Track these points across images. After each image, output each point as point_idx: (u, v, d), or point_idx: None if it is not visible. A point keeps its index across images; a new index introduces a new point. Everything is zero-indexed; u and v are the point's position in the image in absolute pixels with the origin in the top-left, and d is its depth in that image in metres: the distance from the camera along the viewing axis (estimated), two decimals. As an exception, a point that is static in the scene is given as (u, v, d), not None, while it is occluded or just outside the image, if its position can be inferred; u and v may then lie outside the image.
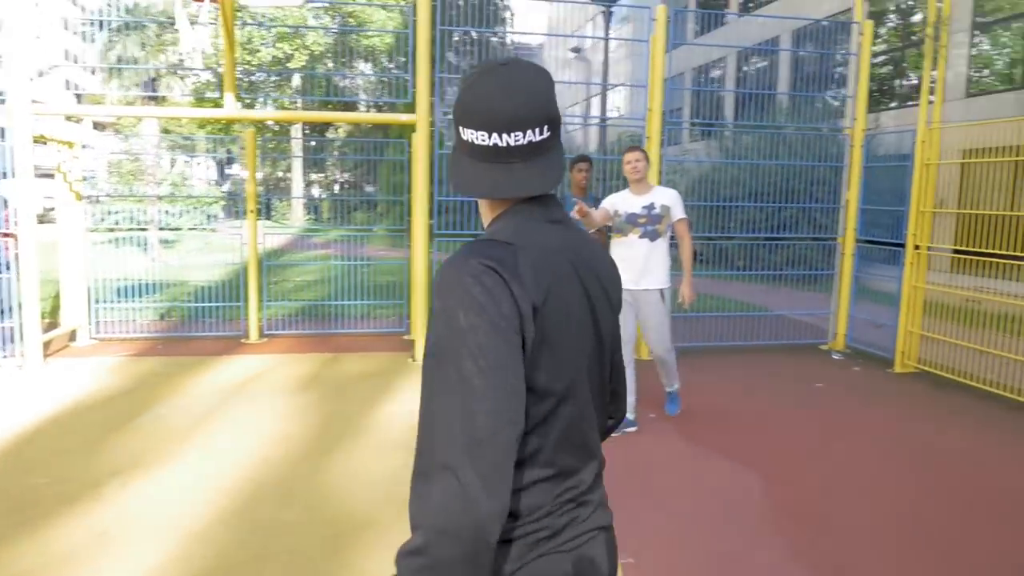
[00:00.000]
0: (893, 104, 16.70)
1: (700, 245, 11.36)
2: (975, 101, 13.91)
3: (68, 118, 12.20)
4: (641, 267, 4.80)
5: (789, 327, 8.39)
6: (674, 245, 5.03)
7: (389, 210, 20.21)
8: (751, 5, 21.41)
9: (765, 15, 10.84)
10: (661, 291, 4.88)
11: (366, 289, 8.66)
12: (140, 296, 8.86)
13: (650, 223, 4.78)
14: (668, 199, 4.84)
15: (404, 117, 6.67)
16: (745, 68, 22.65)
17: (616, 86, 27.26)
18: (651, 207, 4.80)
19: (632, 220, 4.81)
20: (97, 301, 7.74)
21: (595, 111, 30.46)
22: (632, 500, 3.90)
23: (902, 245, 7.06)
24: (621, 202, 4.90)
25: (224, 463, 4.27)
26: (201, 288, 8.87)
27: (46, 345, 7.01)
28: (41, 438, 4.68)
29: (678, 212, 4.85)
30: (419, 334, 6.83)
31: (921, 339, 6.97)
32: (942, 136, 6.78)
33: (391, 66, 26.93)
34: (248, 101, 23.83)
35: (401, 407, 5.47)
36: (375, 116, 6.66)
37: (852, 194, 7.65)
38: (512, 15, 33.16)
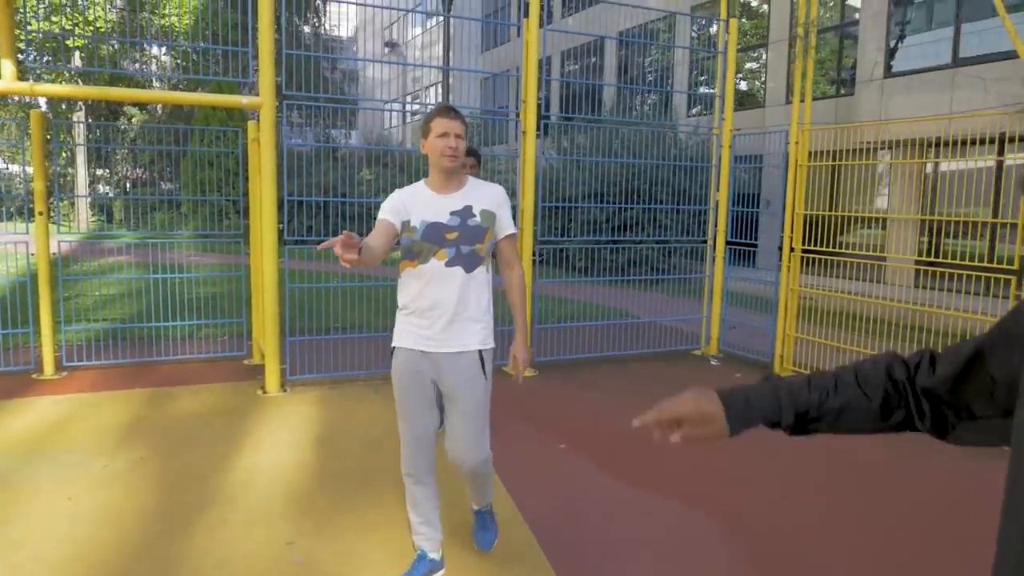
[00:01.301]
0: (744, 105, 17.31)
1: (554, 249, 10.98)
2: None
3: None
4: (449, 316, 2.81)
5: (659, 334, 8.14)
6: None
7: (196, 210, 18.18)
8: None
9: (632, 4, 10.64)
10: (481, 354, 2.89)
11: (188, 305, 7.32)
12: None
13: (465, 240, 2.82)
14: (492, 200, 2.91)
15: (246, 99, 5.53)
16: (592, 59, 22.46)
17: (483, 73, 26.49)
18: (467, 213, 2.84)
19: (435, 236, 2.79)
20: None
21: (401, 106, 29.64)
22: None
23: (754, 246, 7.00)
24: (416, 205, 2.84)
25: (21, 567, 3.06)
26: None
27: None
28: None
29: (506, 223, 2.95)
30: (269, 356, 5.72)
31: (795, 341, 6.94)
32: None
33: (192, 52, 24.36)
34: (35, 72, 20.48)
35: (263, 456, 4.41)
36: (211, 97, 5.44)
37: (723, 195, 7.49)
38: (323, 2, 31.47)
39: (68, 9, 19.46)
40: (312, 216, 6.39)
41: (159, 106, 28.26)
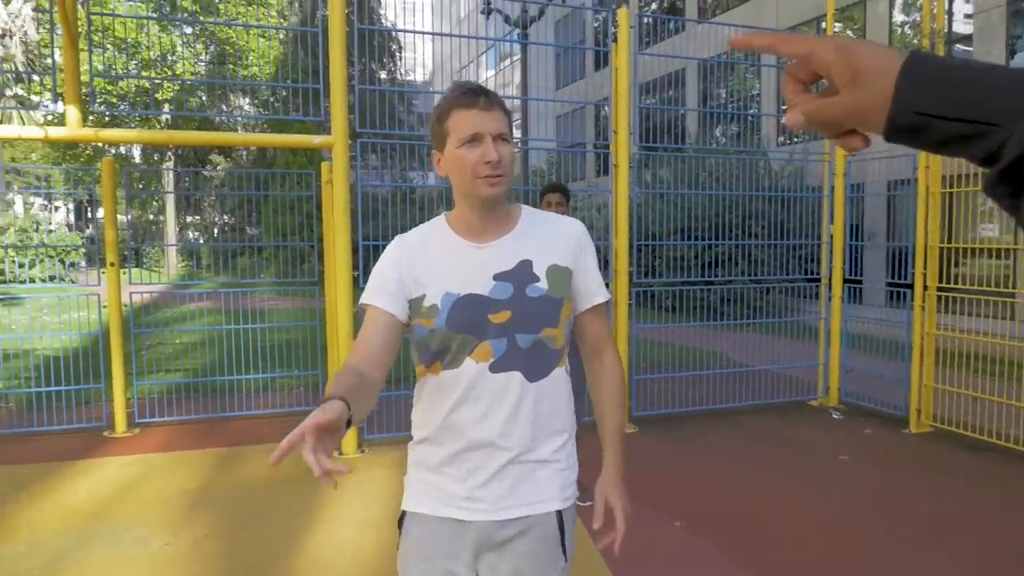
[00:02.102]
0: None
1: (647, 291, 10.22)
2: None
3: None
4: (505, 458, 1.59)
5: (767, 382, 7.36)
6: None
7: (276, 254, 18.31)
8: (713, 5, 20.17)
9: (730, 23, 9.91)
10: (560, 519, 1.65)
11: (263, 355, 6.99)
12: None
13: (525, 324, 1.59)
14: (567, 246, 1.67)
15: (317, 139, 5.18)
16: (670, 92, 21.75)
17: (571, 103, 26.12)
18: (525, 275, 1.61)
19: (470, 321, 1.57)
20: None
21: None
22: None
23: (905, 285, 6.17)
24: (432, 265, 1.61)
25: None
26: (51, 360, 6.93)
27: None
28: None
29: (593, 285, 1.71)
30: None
31: (933, 392, 6.07)
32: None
33: (273, 99, 25.00)
34: (101, 119, 21.23)
35: (336, 535, 3.91)
36: (284, 138, 5.12)
37: (837, 228, 6.73)
38: (400, 47, 31.97)
39: (158, 64, 20.18)
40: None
41: (244, 153, 29.07)
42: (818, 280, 7.12)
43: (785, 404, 6.82)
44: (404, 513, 1.69)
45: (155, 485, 4.68)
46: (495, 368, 1.57)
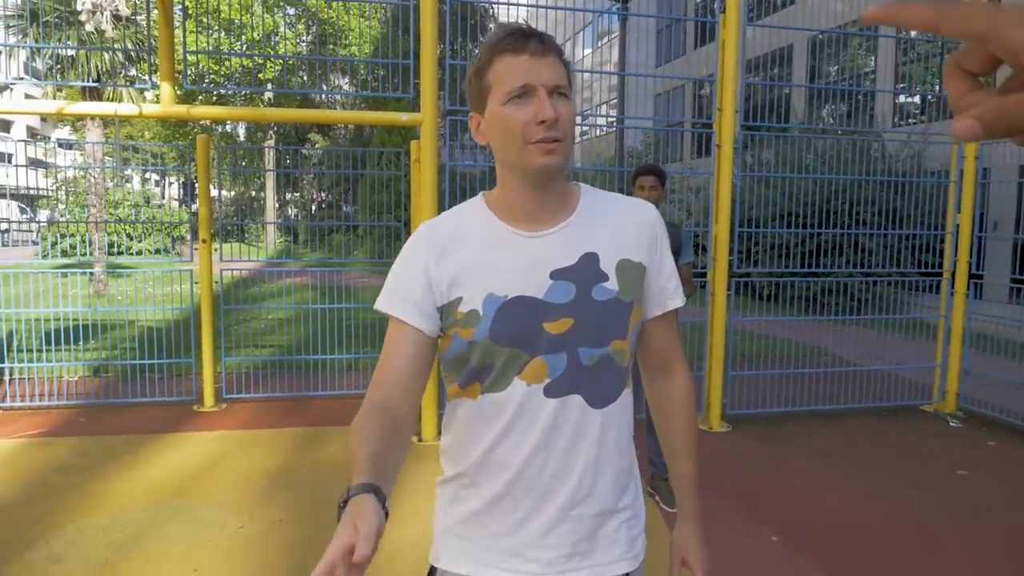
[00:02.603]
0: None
1: (761, 281, 9.63)
2: None
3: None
4: (560, 503, 1.26)
5: (876, 383, 6.81)
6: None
7: (370, 232, 18.55)
8: None
9: None
10: None
11: (348, 334, 6.97)
12: (69, 345, 7.09)
13: (588, 335, 1.25)
14: (639, 237, 1.31)
15: (405, 117, 5.02)
16: (775, 70, 20.59)
17: (677, 78, 25.39)
18: (590, 271, 1.26)
19: (519, 330, 1.23)
20: (2, 360, 5.99)
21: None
22: None
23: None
24: (471, 258, 1.25)
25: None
26: (148, 333, 7.13)
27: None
28: None
29: (668, 284, 1.35)
30: (426, 400, 5.13)
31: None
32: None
33: (371, 79, 25.32)
34: (197, 95, 21.85)
35: (413, 527, 3.77)
36: (370, 114, 4.99)
37: (964, 218, 6.10)
38: (495, 23, 31.75)
39: (263, 45, 20.69)
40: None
41: (342, 132, 29.64)
42: (934, 274, 6.52)
43: (896, 408, 6.28)
44: (434, 570, 1.34)
45: (236, 463, 4.68)
46: (551, 391, 1.23)
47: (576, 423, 1.25)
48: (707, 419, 5.63)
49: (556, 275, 1.23)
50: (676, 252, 4.05)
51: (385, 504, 0.98)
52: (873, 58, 16.64)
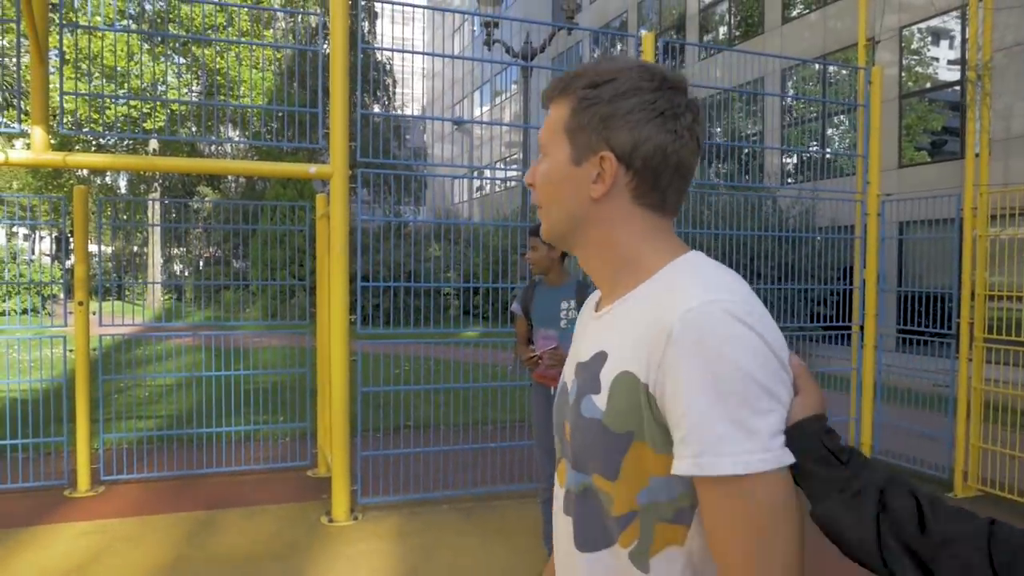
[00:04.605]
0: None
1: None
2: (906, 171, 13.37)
3: None
4: None
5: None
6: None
7: (263, 290, 17.68)
8: (736, 36, 19.20)
9: (752, 51, 9.28)
10: None
11: (247, 400, 6.39)
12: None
13: (576, 455, 0.98)
14: (645, 341, 0.88)
15: (313, 168, 4.66)
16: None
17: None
18: (589, 379, 0.97)
19: (558, 424, 1.07)
20: None
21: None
22: None
23: (946, 334, 5.70)
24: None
25: None
26: (12, 406, 6.31)
27: None
28: None
29: (694, 435, 0.81)
30: (338, 476, 4.67)
31: (981, 453, 5.56)
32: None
33: (264, 131, 24.58)
34: (74, 142, 20.57)
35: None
36: (276, 166, 4.59)
37: (870, 272, 6.26)
38: (393, 83, 31.72)
39: (147, 94, 19.74)
40: (383, 300, 5.50)
41: (233, 185, 28.58)
42: (842, 328, 6.64)
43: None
44: None
45: (117, 561, 4.05)
46: (564, 508, 1.00)
47: (564, 554, 1.01)
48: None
49: (576, 370, 1.01)
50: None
51: None
52: (759, 120, 17.53)
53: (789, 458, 0.82)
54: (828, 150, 14.76)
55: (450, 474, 5.36)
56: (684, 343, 0.82)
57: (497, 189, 22.43)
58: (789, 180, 16.41)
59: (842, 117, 14.95)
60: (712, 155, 17.46)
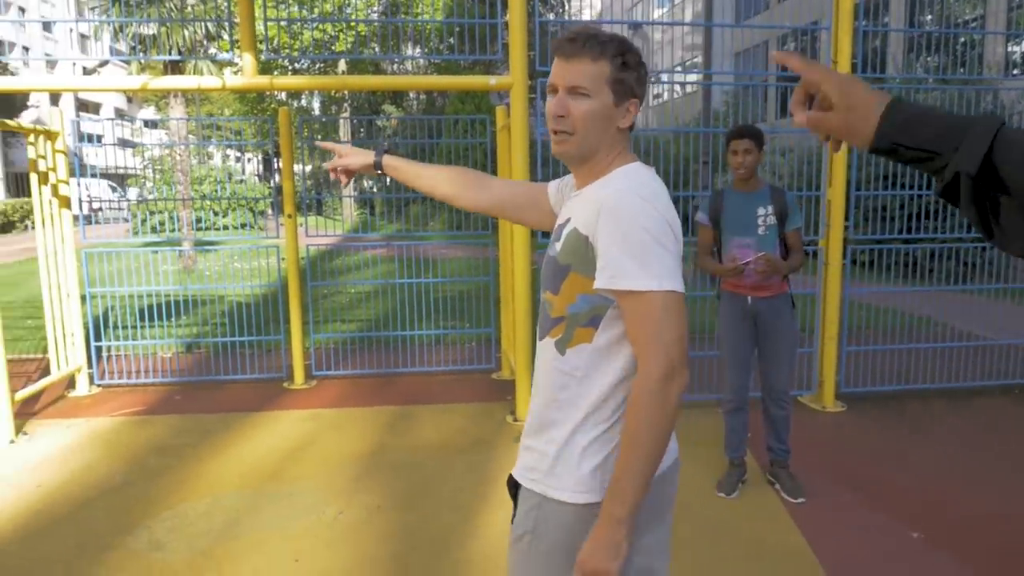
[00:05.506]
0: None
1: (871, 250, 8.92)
2: None
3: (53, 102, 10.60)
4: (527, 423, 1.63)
5: (1008, 359, 6.24)
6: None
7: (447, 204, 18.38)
8: None
9: None
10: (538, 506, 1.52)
11: (435, 307, 6.80)
12: (161, 321, 7.18)
13: (542, 281, 1.59)
14: (591, 212, 1.44)
15: (494, 80, 4.74)
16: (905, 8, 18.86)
17: (779, 29, 24.18)
18: (557, 234, 1.56)
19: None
20: (99, 338, 6.06)
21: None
22: None
23: None
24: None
25: None
26: (236, 309, 7.15)
27: (34, 399, 5.35)
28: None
29: (612, 262, 1.38)
30: (520, 372, 4.91)
31: None
32: None
33: (443, 47, 25.02)
34: (280, 65, 21.93)
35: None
36: (459, 79, 4.72)
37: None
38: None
39: (335, 17, 20.65)
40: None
41: (414, 103, 29.57)
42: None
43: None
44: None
45: (329, 444, 4.58)
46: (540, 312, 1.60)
47: (539, 356, 1.58)
48: (820, 398, 5.24)
49: (555, 231, 1.57)
50: (782, 218, 3.66)
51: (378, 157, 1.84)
52: (981, 5, 15.39)
53: (670, 285, 1.33)
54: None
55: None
56: (607, 211, 1.37)
57: (676, 95, 21.56)
58: (1015, 72, 14.42)
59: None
60: (920, 46, 15.68)
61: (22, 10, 41.86)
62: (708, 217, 3.77)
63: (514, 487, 1.58)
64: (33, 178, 5.30)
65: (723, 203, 3.73)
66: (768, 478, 3.92)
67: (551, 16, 28.38)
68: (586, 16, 43.13)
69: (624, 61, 1.42)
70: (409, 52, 26.92)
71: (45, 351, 5.99)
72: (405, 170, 1.83)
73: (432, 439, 4.67)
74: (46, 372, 5.68)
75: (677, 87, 21.26)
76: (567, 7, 30.12)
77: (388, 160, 1.83)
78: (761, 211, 3.64)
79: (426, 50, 25.82)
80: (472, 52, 5.58)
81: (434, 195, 1.81)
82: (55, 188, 5.47)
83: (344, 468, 4.19)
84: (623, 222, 1.34)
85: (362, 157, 1.82)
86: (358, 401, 5.46)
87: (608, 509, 1.34)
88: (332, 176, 1.83)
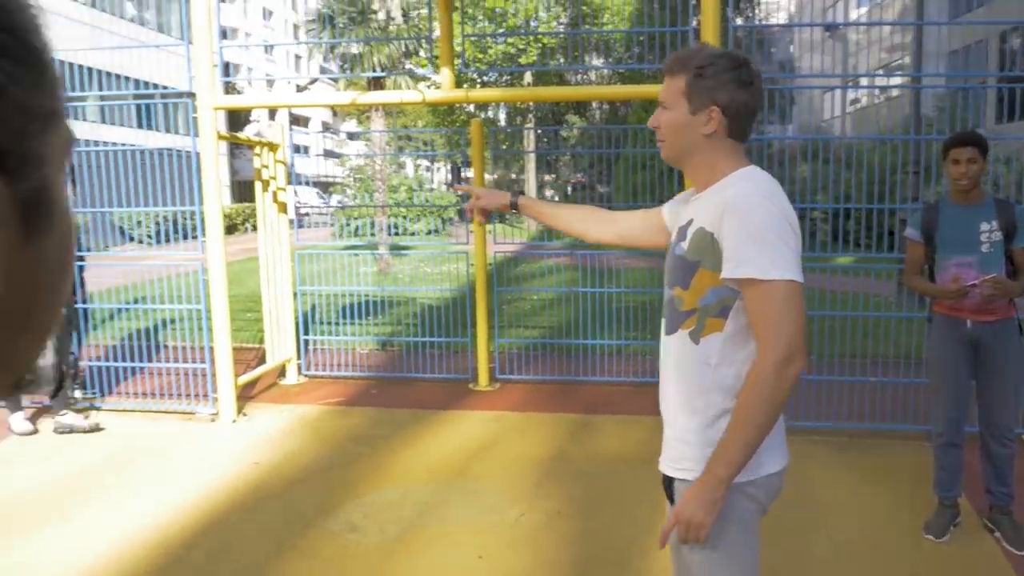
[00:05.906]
0: None
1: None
2: None
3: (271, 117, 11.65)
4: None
5: None
6: None
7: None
8: None
9: None
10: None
11: (616, 319, 6.77)
12: (359, 319, 7.70)
13: (668, 280, 1.77)
14: (717, 211, 1.60)
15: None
16: None
17: (1001, 24, 22.17)
18: (681, 235, 1.72)
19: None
20: (306, 332, 6.61)
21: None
22: None
23: None
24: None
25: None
26: (426, 311, 7.53)
27: (252, 384, 5.92)
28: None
29: (732, 255, 1.57)
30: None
31: None
32: None
33: (627, 56, 24.93)
34: (471, 78, 22.89)
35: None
36: (629, 89, 4.70)
37: None
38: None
39: (522, 30, 21.22)
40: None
41: (597, 112, 29.69)
42: None
43: None
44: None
45: (512, 447, 4.69)
46: (664, 312, 1.75)
47: (665, 351, 1.76)
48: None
49: (677, 231, 1.73)
50: (1010, 234, 3.27)
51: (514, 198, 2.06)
52: None
53: (791, 275, 1.48)
54: None
55: (822, 405, 5.13)
56: (731, 209, 1.52)
57: (876, 100, 20.00)
58: None
59: None
60: None
61: (247, 35, 46.74)
62: (920, 232, 3.46)
63: (668, 482, 1.73)
64: (257, 186, 5.89)
65: (939, 217, 3.41)
66: (986, 524, 3.52)
67: (739, 21, 27.44)
68: (781, 18, 41.21)
69: (699, 73, 1.56)
70: (593, 62, 27.11)
71: (261, 341, 6.62)
72: (540, 209, 2.06)
73: (614, 449, 4.65)
74: (262, 361, 6.28)
75: (877, 92, 19.76)
76: (755, 12, 28.96)
77: (523, 200, 2.04)
78: (985, 226, 3.29)
79: (611, 59, 25.85)
80: (657, 61, 5.52)
81: (570, 232, 2.03)
82: (275, 195, 6.05)
83: (526, 471, 4.28)
84: (746, 218, 1.51)
85: (498, 198, 2.04)
86: (540, 406, 5.55)
87: (713, 469, 1.52)
88: (467, 215, 2.21)
